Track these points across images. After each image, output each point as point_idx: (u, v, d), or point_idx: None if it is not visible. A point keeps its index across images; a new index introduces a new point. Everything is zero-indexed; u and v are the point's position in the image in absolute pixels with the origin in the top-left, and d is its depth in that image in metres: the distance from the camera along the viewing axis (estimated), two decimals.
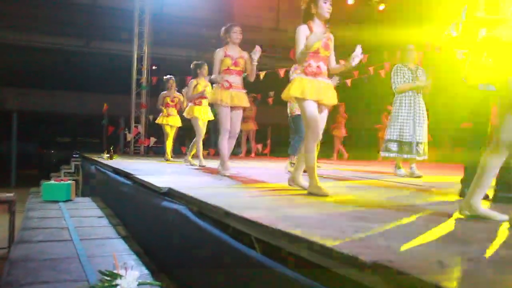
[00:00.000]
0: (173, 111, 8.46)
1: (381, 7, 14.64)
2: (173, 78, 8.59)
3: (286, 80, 6.63)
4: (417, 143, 5.66)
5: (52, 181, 5.86)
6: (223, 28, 5.39)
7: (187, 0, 14.99)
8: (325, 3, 3.55)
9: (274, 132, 14.72)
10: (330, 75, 3.85)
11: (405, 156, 5.68)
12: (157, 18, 13.82)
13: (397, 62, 5.91)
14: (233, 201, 2.93)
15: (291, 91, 3.57)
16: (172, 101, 8.42)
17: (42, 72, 14.98)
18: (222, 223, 2.53)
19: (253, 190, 3.84)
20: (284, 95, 3.68)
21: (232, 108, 5.26)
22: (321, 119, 3.70)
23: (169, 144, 8.63)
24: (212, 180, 4.67)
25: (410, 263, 1.49)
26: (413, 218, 2.53)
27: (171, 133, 8.54)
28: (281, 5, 16.84)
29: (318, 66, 3.58)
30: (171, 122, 8.45)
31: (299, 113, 6.48)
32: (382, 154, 5.86)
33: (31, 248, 3.26)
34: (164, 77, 8.73)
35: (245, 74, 5.42)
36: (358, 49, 3.54)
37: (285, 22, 16.23)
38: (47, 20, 14.88)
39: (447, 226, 2.33)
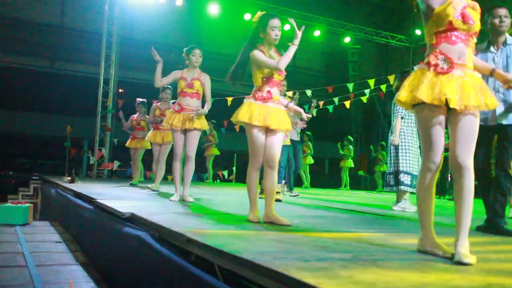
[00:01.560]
0: (140, 133, 8.46)
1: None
2: (143, 102, 8.62)
3: None
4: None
5: (8, 204, 5.66)
6: (184, 49, 5.35)
7: (155, 26, 15.03)
8: (273, 30, 3.55)
9: (240, 158, 14.73)
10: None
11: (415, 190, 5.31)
12: (125, 41, 13.78)
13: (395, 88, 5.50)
14: (196, 228, 2.90)
15: (239, 116, 3.55)
16: (138, 124, 8.44)
17: (2, 91, 14.61)
18: (185, 250, 2.50)
19: (217, 217, 3.81)
20: (233, 119, 3.63)
21: (188, 130, 5.23)
22: (273, 144, 3.55)
23: (133, 167, 8.63)
24: (176, 206, 4.62)
25: None
26: (375, 248, 2.56)
27: (134, 156, 8.50)
28: (248, 33, 17.08)
29: (268, 91, 3.53)
30: (133, 145, 8.46)
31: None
32: (401, 188, 5.31)
33: None
34: None
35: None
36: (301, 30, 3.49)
37: None
38: (11, 39, 14.62)
39: (409, 256, 2.37)
